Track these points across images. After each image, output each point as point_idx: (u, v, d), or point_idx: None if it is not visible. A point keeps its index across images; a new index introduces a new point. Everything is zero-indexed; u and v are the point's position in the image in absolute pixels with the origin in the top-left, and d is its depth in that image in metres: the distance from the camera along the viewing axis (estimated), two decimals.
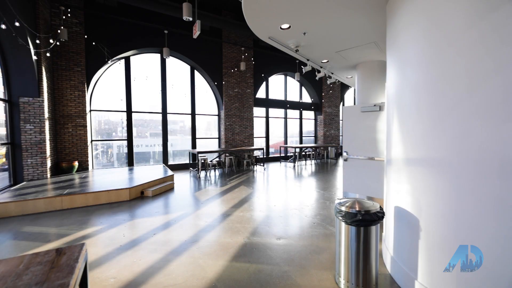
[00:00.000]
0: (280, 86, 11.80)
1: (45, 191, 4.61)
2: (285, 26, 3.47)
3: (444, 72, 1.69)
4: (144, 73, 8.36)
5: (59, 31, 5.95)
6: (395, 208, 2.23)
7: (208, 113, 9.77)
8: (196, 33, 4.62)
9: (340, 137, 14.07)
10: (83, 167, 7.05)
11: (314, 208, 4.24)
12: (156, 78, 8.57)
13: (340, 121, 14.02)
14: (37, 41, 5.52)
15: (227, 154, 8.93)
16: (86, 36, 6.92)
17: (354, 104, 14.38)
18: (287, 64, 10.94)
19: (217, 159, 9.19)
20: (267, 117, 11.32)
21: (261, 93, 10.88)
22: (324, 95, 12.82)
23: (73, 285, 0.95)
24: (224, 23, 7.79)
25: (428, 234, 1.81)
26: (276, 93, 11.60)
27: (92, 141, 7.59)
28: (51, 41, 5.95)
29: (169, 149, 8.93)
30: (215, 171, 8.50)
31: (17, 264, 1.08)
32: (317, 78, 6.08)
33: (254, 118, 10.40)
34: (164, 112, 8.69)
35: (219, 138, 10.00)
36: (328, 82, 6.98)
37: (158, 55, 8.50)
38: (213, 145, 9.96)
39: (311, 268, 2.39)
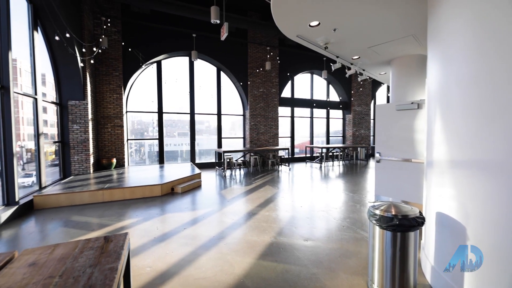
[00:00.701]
0: (306, 84, 11.58)
1: (89, 185, 5.08)
2: (314, 23, 3.39)
3: (499, 66, 1.51)
4: (174, 75, 8.79)
5: (100, 39, 6.52)
6: (437, 214, 2.06)
7: (233, 113, 9.94)
8: (224, 35, 4.73)
9: (371, 137, 13.36)
10: (120, 164, 7.63)
11: (343, 211, 4.08)
12: (185, 80, 8.95)
13: (371, 120, 13.30)
14: (83, 50, 6.10)
15: (252, 154, 9.01)
16: (123, 43, 7.47)
17: (388, 102, 13.57)
18: (313, 62, 10.70)
19: (242, 159, 9.32)
20: (292, 117, 11.18)
21: (286, 93, 10.78)
22: (354, 93, 12.28)
23: (120, 270, 1.04)
24: (250, 23, 7.87)
25: (477, 243, 1.63)
26: (301, 92, 11.40)
27: (127, 140, 8.17)
28: (94, 49, 6.54)
29: (196, 148, 9.27)
30: (240, 170, 8.62)
31: (73, 247, 1.21)
32: (347, 75, 5.84)
33: (279, 118, 10.35)
34: (192, 113, 9.04)
35: (244, 137, 10.12)
36: (359, 79, 6.66)
37: (186, 58, 8.87)
38: (238, 144, 10.12)
39: (341, 272, 2.31)
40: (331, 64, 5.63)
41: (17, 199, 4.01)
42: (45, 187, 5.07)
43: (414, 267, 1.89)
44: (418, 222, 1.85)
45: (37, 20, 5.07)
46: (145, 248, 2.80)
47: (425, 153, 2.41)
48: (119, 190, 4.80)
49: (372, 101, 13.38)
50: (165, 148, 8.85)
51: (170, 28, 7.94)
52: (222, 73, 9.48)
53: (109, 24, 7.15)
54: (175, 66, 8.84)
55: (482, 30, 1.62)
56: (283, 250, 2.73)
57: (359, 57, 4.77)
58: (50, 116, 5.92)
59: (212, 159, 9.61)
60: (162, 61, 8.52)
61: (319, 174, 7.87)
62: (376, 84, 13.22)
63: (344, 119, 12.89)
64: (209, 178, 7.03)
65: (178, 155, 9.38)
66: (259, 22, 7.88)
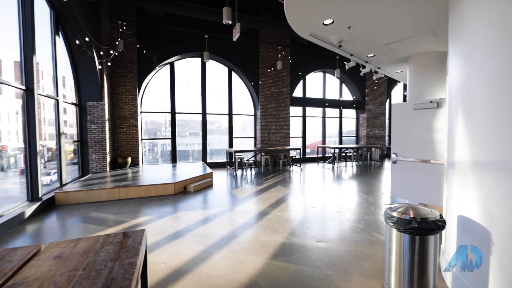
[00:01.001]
0: (318, 84, 11.43)
1: (105, 182, 5.26)
2: (328, 21, 3.33)
3: None
4: (186, 76, 8.95)
5: (117, 42, 6.73)
6: (459, 218, 1.97)
7: (244, 113, 9.98)
8: (236, 35, 4.75)
9: (386, 137, 12.99)
10: (135, 163, 7.85)
11: (357, 212, 3.99)
12: (197, 81, 9.08)
13: (387, 120, 12.93)
14: (101, 53, 6.32)
15: (263, 154, 9.00)
16: (138, 46, 7.68)
17: (404, 101, 13.16)
18: (326, 61, 10.55)
19: (253, 158, 9.33)
20: (304, 116, 11.08)
21: (297, 92, 10.69)
22: (368, 92, 11.97)
23: (139, 265, 1.07)
24: (262, 23, 7.86)
25: (503, 249, 1.55)
26: (313, 92, 11.27)
27: (142, 139, 8.40)
28: (111, 52, 6.76)
29: (207, 148, 9.38)
30: (251, 170, 8.63)
31: (95, 242, 1.26)
32: (361, 74, 5.70)
33: (291, 118, 10.27)
34: (204, 113, 9.16)
35: (255, 137, 10.14)
36: (374, 78, 6.49)
37: (198, 59, 9.00)
38: (249, 144, 10.14)
39: (356, 275, 2.26)
40: (345, 62, 5.53)
41: (40, 196, 4.22)
42: (65, 184, 5.30)
43: (434, 272, 1.82)
44: (438, 225, 1.78)
45: (58, 25, 5.31)
46: (159, 245, 2.86)
47: (446, 154, 2.31)
48: (134, 188, 4.94)
49: (387, 100, 12.99)
50: (177, 148, 9.02)
51: (182, 30, 8.09)
52: (233, 73, 9.54)
53: (124, 28, 7.37)
54: (187, 67, 9.00)
55: (506, 27, 1.53)
56: (295, 250, 2.71)
57: (374, 55, 4.65)
58: (69, 117, 6.19)
59: (223, 158, 9.69)
60: (175, 63, 8.69)
61: (332, 174, 7.75)
62: (391, 83, 12.82)
63: (357, 118, 12.61)
64: (220, 178, 7.09)
65: (189, 155, 9.53)
66: (270, 22, 7.87)
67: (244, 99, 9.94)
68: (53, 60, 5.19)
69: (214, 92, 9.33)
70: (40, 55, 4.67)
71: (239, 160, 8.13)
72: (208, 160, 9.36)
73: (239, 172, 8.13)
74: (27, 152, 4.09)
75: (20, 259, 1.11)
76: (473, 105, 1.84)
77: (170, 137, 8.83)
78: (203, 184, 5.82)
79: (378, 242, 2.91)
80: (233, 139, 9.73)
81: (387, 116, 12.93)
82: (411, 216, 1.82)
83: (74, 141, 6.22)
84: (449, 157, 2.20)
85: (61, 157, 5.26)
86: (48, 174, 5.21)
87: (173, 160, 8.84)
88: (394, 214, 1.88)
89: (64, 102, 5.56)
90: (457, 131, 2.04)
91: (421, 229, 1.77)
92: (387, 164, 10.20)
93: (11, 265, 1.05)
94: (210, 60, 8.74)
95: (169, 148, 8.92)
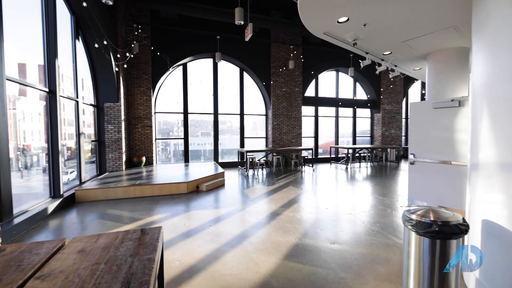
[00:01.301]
0: (331, 83, 11.25)
1: (122, 181, 5.43)
2: (342, 19, 3.27)
3: None
4: (198, 77, 9.08)
5: (132, 45, 6.94)
6: (483, 222, 1.87)
7: (255, 113, 9.99)
8: (249, 35, 4.76)
9: (403, 137, 12.56)
10: (149, 162, 8.05)
11: (372, 214, 3.89)
12: (209, 81, 9.19)
13: (403, 120, 12.50)
14: (118, 55, 6.54)
15: (274, 154, 8.97)
16: (152, 48, 7.88)
17: (422, 99, 12.68)
18: (339, 59, 10.36)
19: (264, 159, 9.32)
20: (316, 116, 10.94)
21: (310, 91, 10.56)
22: (383, 90, 11.62)
23: (157, 261, 1.10)
24: (274, 23, 7.85)
25: None
26: (326, 91, 11.10)
27: (156, 139, 8.60)
28: (127, 54, 6.98)
29: (218, 147, 9.47)
30: (262, 170, 8.63)
31: (114, 238, 1.30)
32: (377, 72, 5.53)
33: (303, 117, 10.18)
34: (216, 113, 9.25)
35: (266, 137, 10.13)
36: (390, 76, 6.29)
37: (210, 60, 9.11)
38: (260, 144, 10.14)
39: (371, 278, 2.20)
40: (360, 61, 5.40)
41: (61, 193, 4.42)
42: (84, 182, 5.53)
43: (455, 279, 1.74)
44: (461, 229, 1.70)
45: (78, 29, 5.55)
46: (173, 242, 2.92)
47: (469, 155, 2.21)
48: (148, 186, 5.07)
49: (404, 99, 12.56)
50: (190, 147, 9.18)
51: (195, 32, 8.21)
52: (245, 74, 9.57)
53: (139, 30, 7.58)
54: (199, 68, 9.13)
55: None
56: (308, 252, 2.68)
57: (391, 53, 4.51)
58: (87, 117, 6.44)
59: (234, 158, 9.74)
60: (188, 64, 8.84)
61: (345, 175, 7.60)
62: (408, 81, 12.36)
63: (372, 118, 12.28)
64: (232, 177, 7.14)
65: (201, 154, 9.66)
66: (282, 21, 7.84)
67: (256, 99, 9.96)
68: (73, 63, 5.42)
69: (225, 92, 9.41)
70: (61, 58, 4.90)
71: (251, 160, 8.15)
72: (220, 160, 9.45)
73: (250, 172, 8.14)
74: (50, 151, 4.30)
75: (47, 252, 1.16)
76: (499, 103, 1.74)
77: (182, 137, 9.00)
78: (215, 184, 5.88)
79: (395, 245, 2.82)
80: (245, 139, 9.77)
81: (403, 116, 12.50)
82: (432, 219, 1.75)
83: (92, 141, 6.48)
84: (473, 158, 2.09)
85: (81, 156, 5.49)
86: (67, 173, 5.44)
87: (186, 159, 9.00)
88: (413, 216, 1.81)
89: (83, 103, 5.79)
90: (481, 131, 1.94)
91: (442, 232, 1.69)
92: (403, 165, 9.88)
93: (39, 258, 1.11)
94: (221, 60, 8.82)
95: (181, 147, 9.08)
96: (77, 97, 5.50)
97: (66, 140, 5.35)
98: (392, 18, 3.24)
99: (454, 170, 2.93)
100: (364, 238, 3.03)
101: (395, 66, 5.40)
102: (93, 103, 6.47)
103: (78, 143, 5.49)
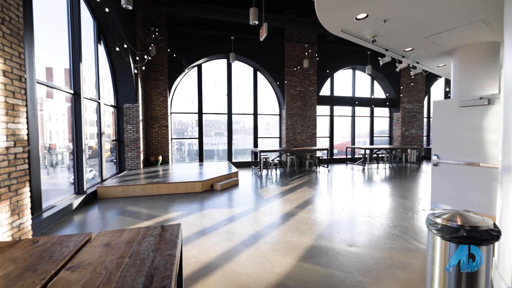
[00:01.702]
0: (347, 81, 10.98)
1: (140, 179, 5.62)
2: (361, 16, 3.18)
3: None
4: (213, 78, 9.21)
5: (150, 48, 7.17)
6: None
7: (269, 113, 9.97)
8: (263, 35, 4.76)
9: (425, 137, 11.99)
10: (165, 161, 8.27)
11: (392, 218, 3.75)
12: (223, 82, 9.29)
13: (425, 119, 11.92)
14: (136, 58, 6.78)
15: (288, 154, 8.90)
16: (168, 50, 8.09)
17: (446, 97, 12.06)
18: (356, 57, 10.08)
19: (278, 159, 9.28)
20: (331, 116, 10.73)
21: (325, 90, 10.37)
22: (403, 88, 11.11)
23: (178, 257, 1.12)
24: (288, 22, 7.79)
25: None
26: (342, 90, 10.84)
27: (171, 139, 8.82)
28: (145, 57, 7.21)
29: (232, 147, 9.54)
30: (276, 170, 8.59)
31: (137, 233, 1.35)
32: (397, 69, 5.29)
33: (317, 117, 10.02)
34: (230, 113, 9.33)
35: (280, 137, 10.07)
36: (412, 73, 6.00)
37: (225, 61, 9.20)
38: (274, 144, 10.10)
39: (391, 284, 2.12)
40: (379, 58, 5.22)
41: (85, 189, 4.64)
42: (105, 179, 5.77)
43: (485, 287, 1.63)
44: (492, 235, 1.59)
45: (100, 34, 5.80)
46: (190, 240, 2.97)
47: (500, 156, 2.07)
48: (165, 185, 5.21)
49: (426, 97, 11.97)
50: (204, 147, 9.33)
51: (210, 33, 8.33)
52: (258, 73, 9.58)
53: (157, 33, 7.81)
54: (214, 69, 9.26)
55: None
56: (325, 254, 2.63)
57: (412, 49, 4.32)
58: (107, 118, 6.73)
59: (247, 158, 9.78)
60: (202, 65, 8.99)
61: (362, 177, 7.39)
62: (430, 78, 11.70)
63: (391, 117, 11.82)
64: (245, 177, 7.16)
65: (215, 154, 9.78)
66: (297, 20, 7.76)
67: (269, 99, 9.93)
68: (96, 66, 5.68)
69: (239, 92, 9.46)
70: (84, 61, 5.15)
71: (264, 160, 8.14)
72: (233, 160, 9.52)
73: (264, 172, 8.13)
74: (74, 150, 4.53)
75: (75, 245, 1.23)
76: None
77: (197, 136, 9.16)
78: (229, 183, 5.93)
79: (416, 250, 2.70)
80: (258, 139, 9.77)
81: (425, 115, 11.93)
82: (459, 223, 1.65)
83: (112, 140, 6.75)
84: (505, 160, 1.96)
85: (102, 154, 5.74)
86: (91, 170, 5.71)
87: (200, 159, 9.15)
88: (438, 220, 1.72)
89: (105, 104, 6.05)
90: None
91: (470, 238, 1.59)
92: (425, 166, 9.45)
93: (69, 250, 1.17)
94: (235, 61, 8.88)
95: (196, 147, 9.25)
96: (99, 99, 5.75)
97: (88, 139, 5.62)
98: (414, 12, 3.10)
99: (482, 172, 2.75)
100: (383, 241, 2.92)
101: (417, 63, 5.16)
102: (113, 104, 6.75)
103: (100, 142, 5.75)
